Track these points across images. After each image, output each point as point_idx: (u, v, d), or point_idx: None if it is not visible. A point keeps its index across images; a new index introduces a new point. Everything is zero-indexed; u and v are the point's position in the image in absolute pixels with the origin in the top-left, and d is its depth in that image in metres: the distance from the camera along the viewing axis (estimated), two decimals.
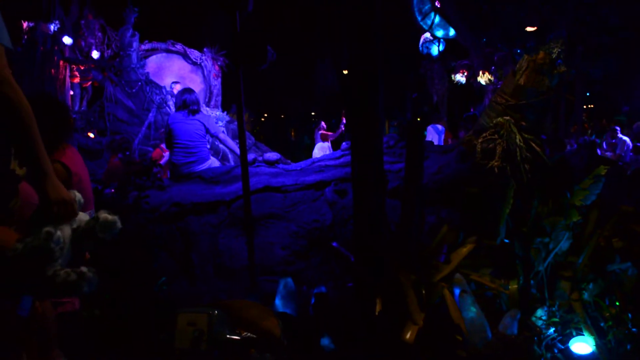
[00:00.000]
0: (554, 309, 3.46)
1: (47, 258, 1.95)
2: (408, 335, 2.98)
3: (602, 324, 3.33)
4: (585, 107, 23.04)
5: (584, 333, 3.23)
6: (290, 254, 4.47)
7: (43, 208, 2.06)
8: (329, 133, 11.90)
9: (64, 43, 11.67)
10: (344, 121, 11.38)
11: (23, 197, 2.27)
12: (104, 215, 2.16)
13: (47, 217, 2.04)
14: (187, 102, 5.79)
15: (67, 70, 11.67)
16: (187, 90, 5.98)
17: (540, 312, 3.46)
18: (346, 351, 3.18)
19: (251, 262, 4.08)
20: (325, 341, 3.22)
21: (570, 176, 4.23)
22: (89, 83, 12.22)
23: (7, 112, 1.94)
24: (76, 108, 11.89)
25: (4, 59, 1.97)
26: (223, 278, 4.48)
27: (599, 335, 3.21)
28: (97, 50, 12.32)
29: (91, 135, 10.99)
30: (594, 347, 3.11)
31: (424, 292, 3.30)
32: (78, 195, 2.22)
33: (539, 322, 3.42)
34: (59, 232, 1.99)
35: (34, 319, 2.51)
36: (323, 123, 12.36)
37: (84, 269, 2.01)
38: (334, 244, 4.23)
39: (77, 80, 11.97)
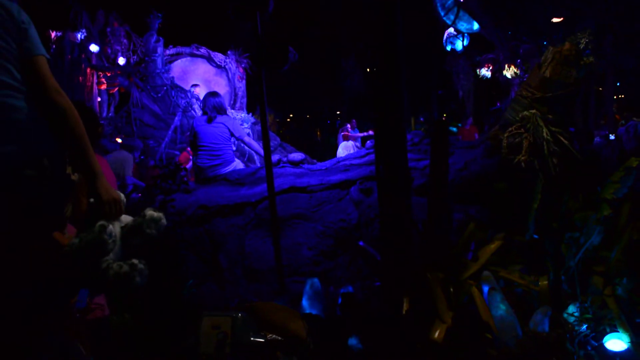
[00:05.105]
0: (586, 305, 3.37)
1: (101, 251, 2.09)
2: (436, 335, 2.94)
3: (637, 320, 3.24)
4: (616, 97, 22.54)
5: (619, 329, 3.14)
6: (318, 254, 4.45)
7: (96, 207, 2.21)
8: (350, 135, 11.78)
9: (90, 51, 11.90)
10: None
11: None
12: (150, 212, 2.35)
13: (100, 215, 2.19)
14: (211, 105, 5.81)
15: (95, 77, 11.90)
16: (212, 94, 6.00)
17: (572, 309, 3.37)
18: (374, 351, 3.15)
19: (278, 263, 4.07)
20: (352, 341, 3.19)
21: (600, 169, 4.13)
22: (116, 89, 12.40)
23: (62, 119, 2.08)
24: (104, 114, 12.08)
25: (49, 70, 2.07)
26: (251, 280, 4.48)
27: (634, 332, 3.12)
28: (123, 57, 12.53)
29: (119, 140, 11.15)
30: (629, 343, 3.02)
31: (452, 290, 3.25)
32: (122, 196, 2.38)
33: (571, 319, 3.33)
34: (111, 226, 2.15)
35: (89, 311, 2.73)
36: (349, 125, 12.23)
37: (135, 261, 2.15)
38: (361, 243, 4.20)
39: (104, 86, 12.18)
